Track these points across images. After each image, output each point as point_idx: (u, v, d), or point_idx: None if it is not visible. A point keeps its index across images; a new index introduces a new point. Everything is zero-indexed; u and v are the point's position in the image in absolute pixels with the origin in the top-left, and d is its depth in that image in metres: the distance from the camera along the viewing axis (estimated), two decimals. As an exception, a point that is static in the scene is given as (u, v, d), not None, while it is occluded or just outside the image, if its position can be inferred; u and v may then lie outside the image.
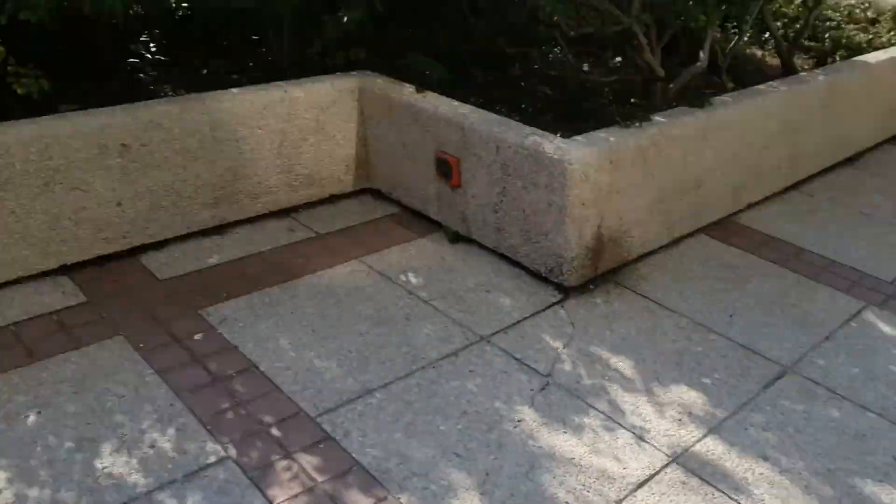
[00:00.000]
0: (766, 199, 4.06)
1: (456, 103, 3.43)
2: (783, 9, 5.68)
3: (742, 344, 2.81)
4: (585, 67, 3.61)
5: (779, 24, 5.46)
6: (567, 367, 2.61)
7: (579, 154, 2.95)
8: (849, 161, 4.77)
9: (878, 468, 2.26)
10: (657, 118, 3.34)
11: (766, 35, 5.05)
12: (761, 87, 3.96)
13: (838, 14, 6.65)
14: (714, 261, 3.39)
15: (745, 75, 4.67)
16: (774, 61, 5.19)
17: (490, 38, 4.23)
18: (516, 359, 2.64)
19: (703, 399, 2.50)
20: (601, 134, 3.14)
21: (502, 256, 3.28)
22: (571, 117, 3.37)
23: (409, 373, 2.54)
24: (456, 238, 3.41)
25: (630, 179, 3.15)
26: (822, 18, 6.19)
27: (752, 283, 3.23)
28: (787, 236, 3.68)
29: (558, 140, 3.04)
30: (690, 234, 3.59)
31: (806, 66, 5.06)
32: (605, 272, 3.19)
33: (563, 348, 2.71)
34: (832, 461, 2.27)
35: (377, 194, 3.89)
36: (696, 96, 3.59)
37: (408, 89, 3.60)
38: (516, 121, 3.25)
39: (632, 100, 3.86)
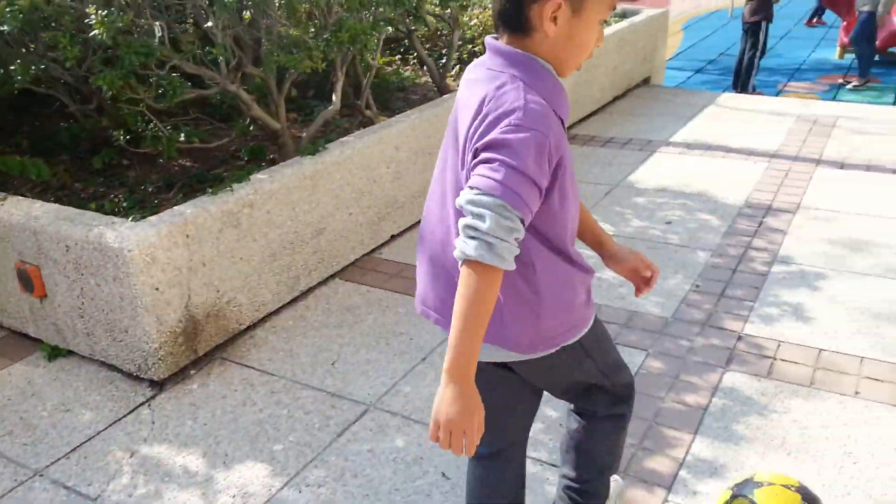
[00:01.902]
0: (413, 226, 4.07)
1: (35, 205, 3.17)
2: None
3: (333, 392, 2.70)
4: (182, 137, 3.48)
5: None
6: (125, 480, 2.38)
7: (140, 238, 2.76)
8: (509, 167, 4.91)
9: (422, 490, 2.18)
10: (257, 176, 3.23)
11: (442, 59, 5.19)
12: (396, 117, 3.97)
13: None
14: (338, 306, 3.30)
15: (398, 102, 4.75)
16: (454, 83, 5.33)
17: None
18: (67, 487, 2.38)
19: (267, 470, 2.35)
20: (181, 208, 2.98)
21: (102, 363, 3.03)
22: (197, 191, 3.21)
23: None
24: (55, 354, 3.13)
25: (221, 248, 3.00)
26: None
27: (368, 321, 3.17)
28: (423, 260, 3.67)
29: (125, 226, 2.85)
30: (323, 283, 3.50)
31: (457, 86, 5.23)
32: (211, 350, 3.02)
33: (130, 458, 2.48)
34: (378, 498, 2.17)
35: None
36: (313, 143, 3.52)
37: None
38: (93, 212, 3.03)
39: (271, 156, 3.78)
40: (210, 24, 3.06)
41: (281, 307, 3.30)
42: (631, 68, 6.64)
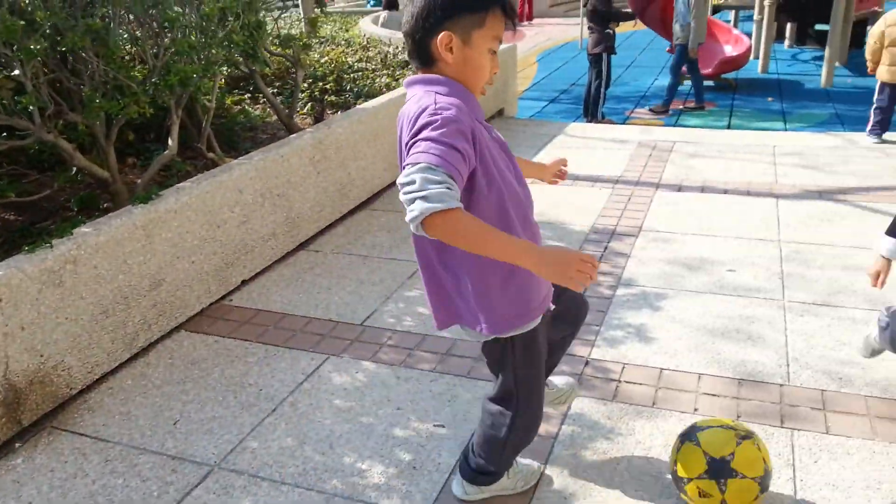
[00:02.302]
0: (266, 269, 3.94)
1: None
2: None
3: (174, 455, 2.53)
4: None
5: (305, 84, 5.56)
6: (-72, 573, 2.12)
7: (-55, 305, 2.50)
8: (365, 204, 4.89)
9: (268, 558, 2.06)
10: (81, 230, 3.01)
11: (301, 97, 5.08)
12: (239, 159, 3.84)
13: (371, 63, 7.02)
14: (182, 360, 3.13)
15: (246, 142, 4.61)
16: (303, 121, 5.23)
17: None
18: None
19: (97, 548, 2.16)
20: (-5, 268, 2.73)
21: None
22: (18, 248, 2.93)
23: None
24: None
25: (42, 309, 2.76)
26: (352, 70, 6.46)
27: (214, 374, 3.01)
28: (275, 305, 3.56)
29: (-71, 293, 2.57)
30: (166, 336, 3.31)
31: (309, 123, 5.16)
32: (39, 419, 2.77)
33: (-64, 547, 2.22)
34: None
35: None
36: (146, 191, 3.32)
37: None
38: None
39: (105, 205, 3.55)
40: (17, 72, 2.85)
41: (118, 366, 3.08)
42: (483, 101, 6.79)
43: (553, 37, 15.78)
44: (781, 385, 2.75)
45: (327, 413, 2.72)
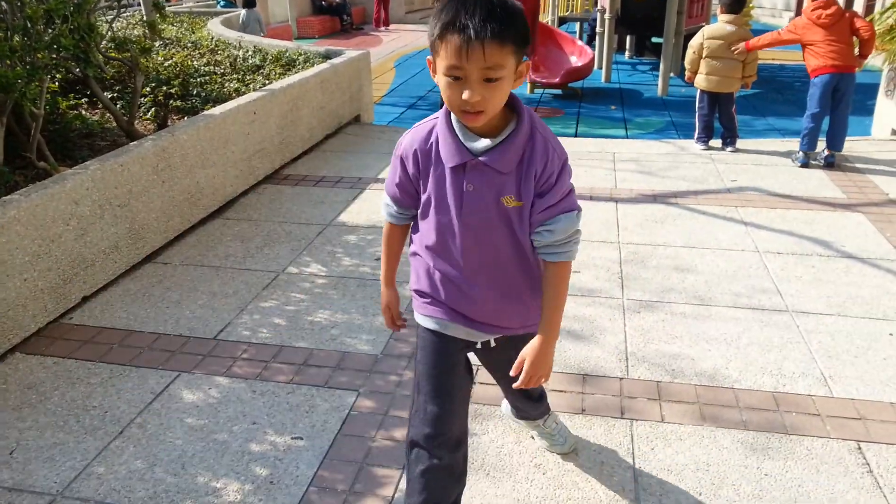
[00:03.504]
0: (110, 284, 3.75)
1: None
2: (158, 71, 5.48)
3: (11, 486, 2.37)
4: None
5: (147, 89, 5.29)
6: None
7: None
8: (218, 212, 4.75)
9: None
10: None
11: (142, 103, 4.81)
12: (74, 168, 3.61)
13: (220, 67, 6.81)
14: (17, 385, 2.92)
15: (83, 150, 4.35)
16: (146, 126, 4.99)
17: None
18: None
19: None
20: None
21: None
22: None
23: None
24: None
25: None
26: (199, 74, 6.23)
27: (55, 398, 2.84)
28: (121, 322, 3.39)
29: None
30: (1, 359, 3.08)
31: (152, 129, 4.95)
32: None
33: None
34: None
35: None
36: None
37: None
38: None
39: None
40: None
41: (-58, 396, 2.84)
42: (338, 107, 6.79)
43: (410, 42, 15.97)
44: (621, 378, 2.95)
45: (179, 432, 2.63)
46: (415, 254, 1.92)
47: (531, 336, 1.82)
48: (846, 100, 5.67)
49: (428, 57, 1.64)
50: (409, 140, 1.78)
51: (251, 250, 4.19)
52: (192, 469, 2.44)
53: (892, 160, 5.90)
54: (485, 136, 1.68)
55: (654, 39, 12.76)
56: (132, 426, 2.67)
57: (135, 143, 4.16)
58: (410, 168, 1.78)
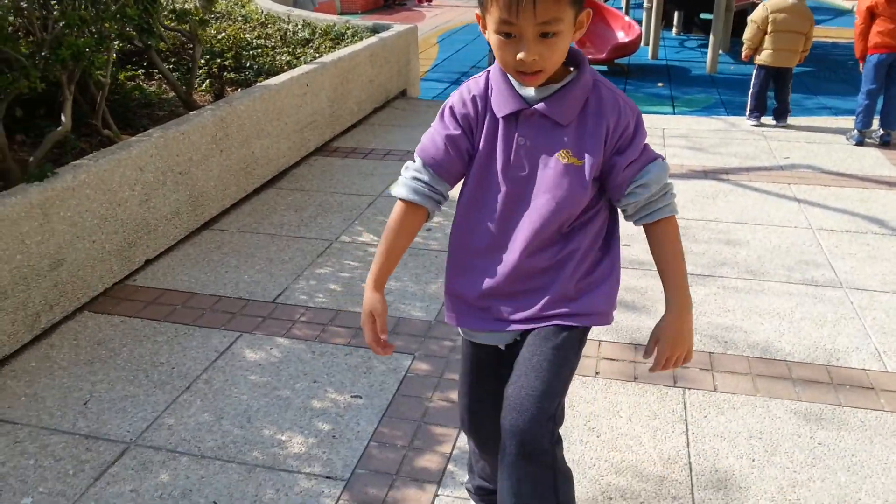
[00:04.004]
0: (171, 248, 3.87)
1: None
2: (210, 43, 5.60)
3: (87, 434, 2.50)
4: None
5: (202, 61, 5.41)
6: None
7: None
8: (271, 182, 4.85)
9: (191, 529, 2.09)
10: (-26, 208, 2.87)
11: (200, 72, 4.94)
12: (138, 136, 3.73)
13: (271, 40, 6.91)
14: (88, 341, 3.05)
15: (143, 119, 4.47)
16: (202, 98, 5.10)
17: None
18: None
19: (9, 530, 2.12)
20: None
21: None
22: None
23: None
24: None
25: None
26: (251, 46, 6.33)
27: (123, 354, 2.96)
28: (182, 285, 3.51)
29: None
30: (69, 317, 3.22)
31: (209, 100, 5.06)
32: (-65, 406, 2.65)
33: None
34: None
35: None
36: (40, 168, 3.18)
37: None
38: None
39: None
40: None
41: (20, 349, 2.98)
42: (386, 81, 6.84)
43: (452, 19, 15.90)
44: (674, 349, 2.97)
45: (243, 388, 2.73)
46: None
47: (560, 330, 1.57)
48: (901, 79, 5.58)
49: (476, 12, 1.50)
50: (459, 91, 1.59)
51: (305, 219, 4.28)
52: (258, 422, 2.55)
53: (950, 139, 5.77)
54: (542, 85, 1.50)
55: (703, 16, 12.53)
56: (199, 381, 2.78)
57: (195, 112, 4.26)
58: (460, 118, 1.57)
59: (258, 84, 5.01)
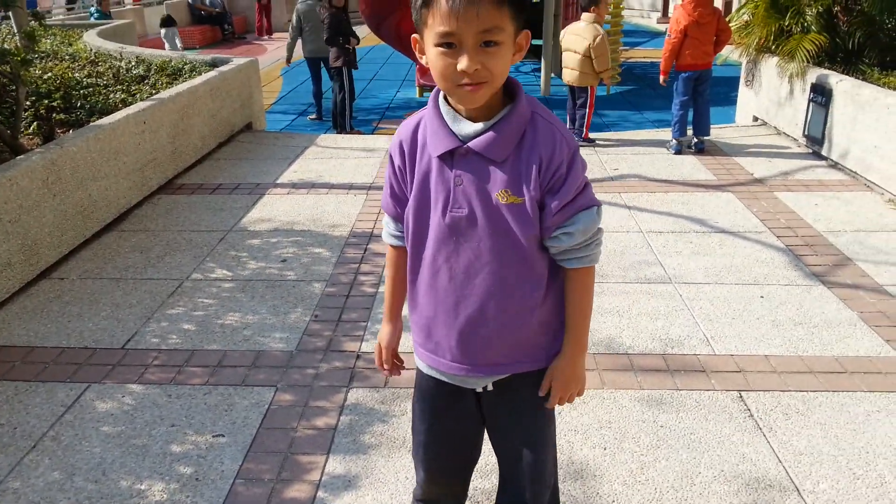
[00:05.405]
0: (4, 303, 3.63)
1: None
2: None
3: (-82, 511, 2.29)
4: None
5: (28, 102, 5.08)
6: None
7: None
8: (112, 225, 4.65)
9: None
10: None
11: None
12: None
13: (103, 79, 6.61)
14: (-88, 411, 2.79)
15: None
16: (30, 141, 4.79)
17: None
18: None
19: None
20: None
21: None
22: None
23: None
24: None
25: None
26: (81, 86, 6.03)
27: (-44, 419, 2.74)
28: (20, 340, 3.30)
29: None
30: None
31: (37, 143, 4.78)
32: None
33: None
34: None
35: None
36: None
37: None
38: None
39: None
40: None
41: None
42: (230, 115, 6.74)
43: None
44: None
45: (95, 441, 2.61)
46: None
47: (540, 374, 1.60)
48: (706, 91, 6.19)
49: (413, 36, 1.43)
50: (396, 135, 1.55)
51: (151, 260, 4.14)
52: (114, 475, 2.44)
53: (754, 144, 6.43)
54: (477, 121, 1.44)
55: (534, 41, 13.22)
56: (45, 439, 2.62)
57: (22, 156, 4.03)
58: (397, 162, 1.54)
59: (91, 124, 4.80)
